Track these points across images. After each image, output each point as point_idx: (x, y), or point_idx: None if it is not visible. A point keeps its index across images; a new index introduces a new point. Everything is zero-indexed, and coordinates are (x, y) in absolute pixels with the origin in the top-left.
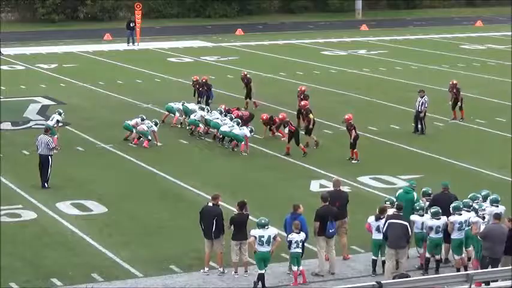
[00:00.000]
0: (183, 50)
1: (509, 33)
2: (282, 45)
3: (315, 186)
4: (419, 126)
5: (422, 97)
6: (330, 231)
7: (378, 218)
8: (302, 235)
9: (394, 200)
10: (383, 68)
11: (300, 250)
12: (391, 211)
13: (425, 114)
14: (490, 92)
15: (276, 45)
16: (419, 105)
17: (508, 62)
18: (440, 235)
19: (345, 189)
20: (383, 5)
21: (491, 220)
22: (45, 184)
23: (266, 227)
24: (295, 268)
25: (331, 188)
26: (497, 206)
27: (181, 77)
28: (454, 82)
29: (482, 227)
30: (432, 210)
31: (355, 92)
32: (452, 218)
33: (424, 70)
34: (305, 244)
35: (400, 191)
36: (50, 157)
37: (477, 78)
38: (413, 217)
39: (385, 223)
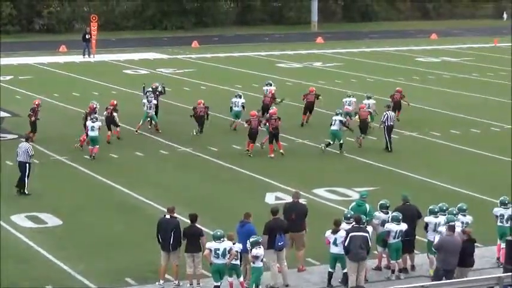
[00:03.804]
0: (139, 62)
1: (464, 46)
2: (238, 57)
3: (270, 198)
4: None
5: (387, 111)
6: (279, 244)
7: (334, 232)
8: (238, 246)
9: (352, 213)
10: (338, 80)
11: (236, 262)
12: (348, 225)
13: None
14: (444, 105)
15: (232, 58)
16: (388, 119)
17: (462, 75)
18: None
19: (300, 201)
20: (339, 18)
21: (446, 231)
22: (25, 191)
23: (222, 239)
24: (230, 279)
25: (289, 200)
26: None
27: (137, 89)
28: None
29: (437, 239)
30: (392, 214)
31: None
32: (389, 226)
33: (380, 83)
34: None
35: (353, 204)
36: (28, 164)
37: (432, 91)
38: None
39: (346, 237)
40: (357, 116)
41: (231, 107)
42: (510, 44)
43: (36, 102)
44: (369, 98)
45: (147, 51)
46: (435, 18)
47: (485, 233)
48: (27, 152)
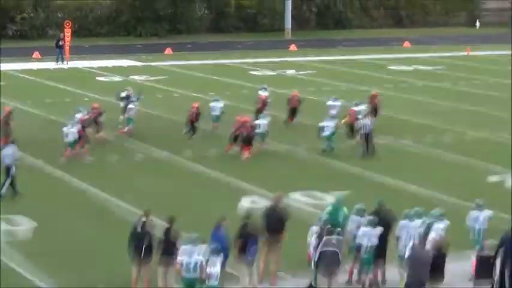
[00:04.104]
0: (112, 69)
1: (437, 54)
2: (211, 64)
3: (245, 202)
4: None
5: (362, 120)
6: (252, 247)
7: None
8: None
9: (326, 220)
10: (312, 88)
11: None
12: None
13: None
14: (416, 112)
15: (205, 65)
16: (363, 127)
17: (434, 83)
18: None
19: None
20: (312, 25)
21: (417, 244)
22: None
23: (196, 243)
24: None
25: (266, 204)
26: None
27: (110, 96)
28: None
29: (408, 252)
30: (368, 218)
31: (284, 112)
32: (363, 230)
33: (353, 90)
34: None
35: (329, 207)
36: (12, 167)
37: (404, 99)
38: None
39: (316, 250)
40: (345, 119)
41: (210, 111)
42: (485, 53)
43: (7, 109)
44: (357, 104)
45: (121, 58)
46: (408, 26)
47: (459, 238)
48: (13, 155)
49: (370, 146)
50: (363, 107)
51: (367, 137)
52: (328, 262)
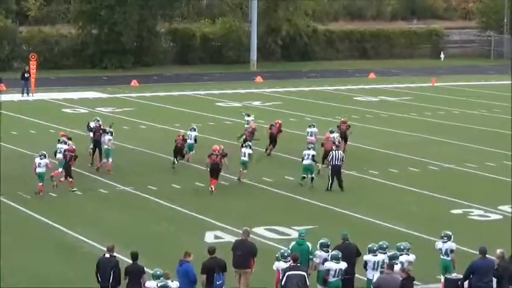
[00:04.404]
0: (78, 101)
1: (402, 85)
2: (177, 96)
3: (209, 237)
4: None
5: (336, 150)
6: (218, 283)
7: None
8: (175, 283)
9: (289, 252)
10: (278, 119)
11: None
12: (286, 264)
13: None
14: (382, 144)
15: (171, 97)
16: (333, 159)
17: (400, 114)
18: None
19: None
20: (278, 57)
21: (385, 269)
22: None
23: (161, 278)
24: None
25: (231, 239)
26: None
27: (76, 128)
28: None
29: (376, 277)
30: (332, 253)
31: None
32: (328, 264)
33: (319, 121)
34: None
35: (293, 243)
36: None
37: (370, 130)
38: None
39: (283, 276)
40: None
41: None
42: (450, 84)
43: None
44: (331, 132)
45: (87, 90)
46: (373, 58)
47: (425, 270)
48: None
49: (339, 180)
50: (336, 134)
51: (337, 170)
52: (294, 285)
